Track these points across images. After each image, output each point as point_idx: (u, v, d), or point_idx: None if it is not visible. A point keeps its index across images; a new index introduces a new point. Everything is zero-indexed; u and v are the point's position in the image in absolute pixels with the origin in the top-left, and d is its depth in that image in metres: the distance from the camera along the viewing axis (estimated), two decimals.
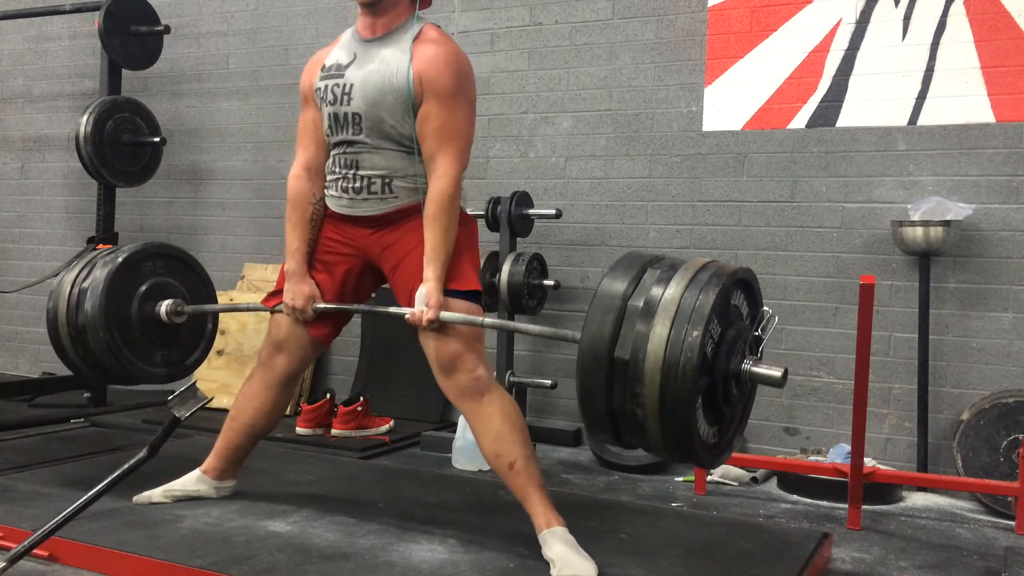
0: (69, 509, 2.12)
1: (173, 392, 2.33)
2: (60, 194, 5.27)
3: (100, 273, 2.71)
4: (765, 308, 2.02)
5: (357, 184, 2.44)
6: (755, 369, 1.85)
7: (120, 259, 2.74)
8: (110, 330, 2.67)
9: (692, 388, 1.75)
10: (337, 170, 2.49)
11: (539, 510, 2.26)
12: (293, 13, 4.71)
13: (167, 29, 4.46)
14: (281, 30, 4.73)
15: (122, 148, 4.28)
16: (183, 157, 4.93)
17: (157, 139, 4.38)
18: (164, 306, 2.78)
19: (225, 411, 4.33)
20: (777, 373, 1.84)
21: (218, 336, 4.56)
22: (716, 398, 1.85)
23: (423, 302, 2.30)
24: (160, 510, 2.56)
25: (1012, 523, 2.93)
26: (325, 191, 2.55)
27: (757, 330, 1.91)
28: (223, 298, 4.65)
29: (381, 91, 2.35)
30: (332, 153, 2.51)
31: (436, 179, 2.32)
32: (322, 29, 4.62)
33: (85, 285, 2.73)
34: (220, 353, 4.57)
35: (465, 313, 2.35)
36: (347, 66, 2.43)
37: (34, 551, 2.13)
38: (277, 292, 2.64)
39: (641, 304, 1.82)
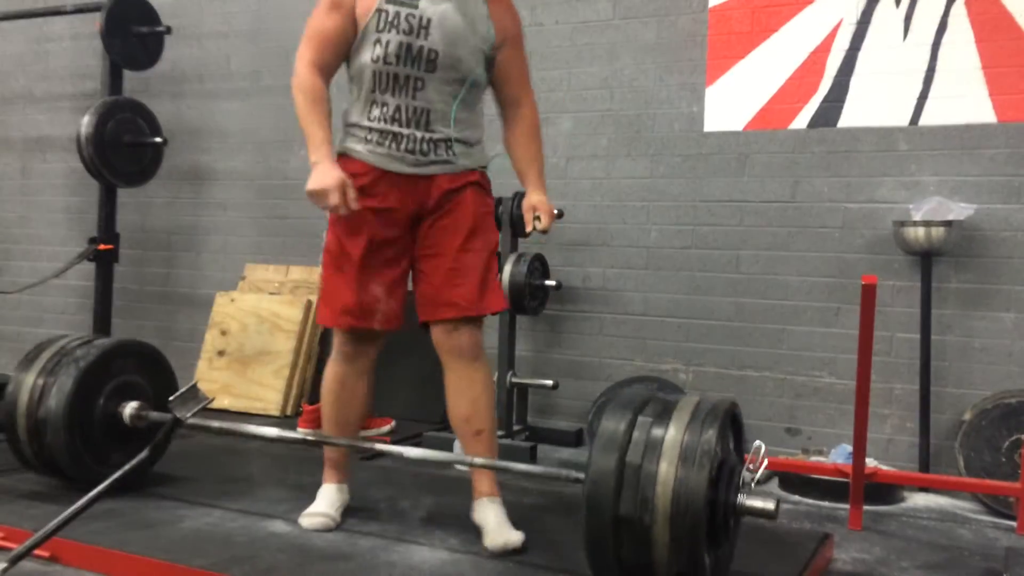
0: (70, 509, 2.12)
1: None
2: (61, 195, 5.27)
3: (71, 369, 2.63)
4: (758, 442, 2.11)
5: (423, 147, 2.36)
6: (749, 503, 1.93)
7: (93, 356, 2.66)
8: (71, 429, 2.58)
9: (700, 524, 1.81)
10: (395, 124, 2.35)
11: (487, 479, 2.44)
12: (294, 14, 4.70)
13: (168, 30, 4.46)
14: (282, 31, 4.73)
15: (123, 149, 4.28)
16: (184, 158, 4.93)
17: (158, 140, 4.39)
18: (128, 408, 2.69)
19: (225, 411, 4.38)
20: (771, 506, 1.92)
21: (220, 337, 4.60)
22: (716, 531, 1.91)
23: (536, 210, 2.47)
24: (161, 510, 2.56)
25: (1014, 524, 2.93)
26: (365, 144, 2.38)
27: (749, 465, 1.98)
28: (224, 298, 4.66)
29: (463, 33, 2.35)
30: (381, 97, 2.36)
31: (529, 109, 2.54)
32: None
33: (52, 379, 2.64)
34: (221, 354, 4.57)
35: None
36: None
37: (35, 551, 2.13)
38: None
39: (643, 447, 1.87)
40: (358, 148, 2.38)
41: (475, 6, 2.39)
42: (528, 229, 2.49)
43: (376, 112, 2.37)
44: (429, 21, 2.32)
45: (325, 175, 2.24)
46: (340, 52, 2.38)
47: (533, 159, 2.54)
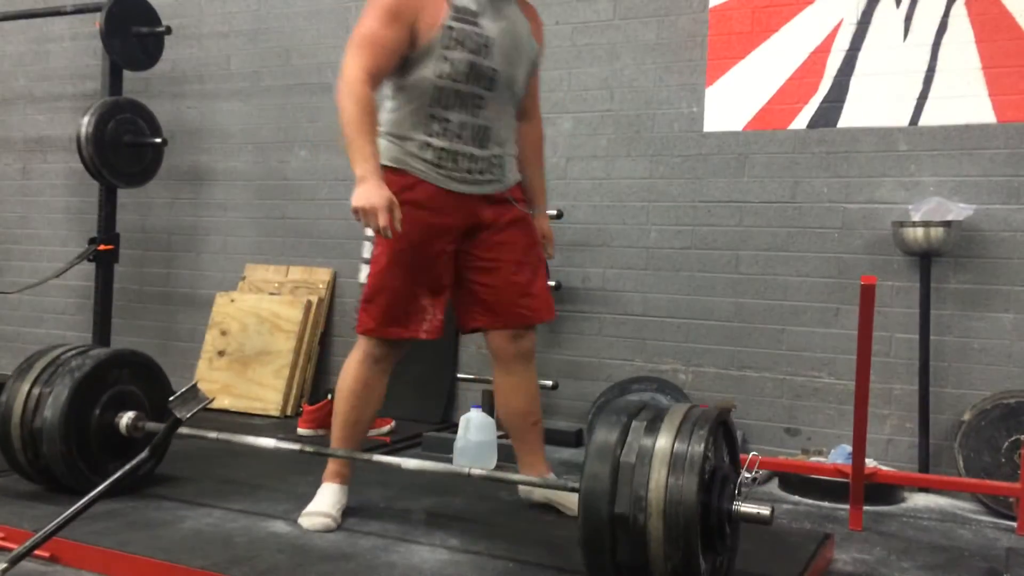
0: (71, 510, 2.12)
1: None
2: (61, 195, 5.27)
3: (66, 380, 2.63)
4: (754, 453, 2.15)
5: (481, 165, 2.43)
6: (744, 509, 1.95)
7: (89, 367, 2.65)
8: (67, 439, 2.57)
9: (694, 526, 1.83)
10: (455, 142, 2.38)
11: (543, 459, 2.73)
12: (294, 14, 4.71)
13: (168, 30, 4.46)
14: (282, 31, 4.73)
15: (123, 149, 4.29)
16: (184, 158, 4.94)
17: (158, 140, 4.39)
18: (124, 419, 2.69)
19: (226, 411, 4.38)
20: (766, 512, 1.94)
21: (219, 337, 4.60)
22: (712, 537, 1.93)
23: (545, 238, 2.68)
24: (161, 511, 2.56)
25: (1014, 524, 2.93)
26: (422, 161, 2.38)
27: (745, 472, 2.01)
28: (224, 298, 4.66)
29: (518, 51, 2.43)
30: (442, 112, 2.37)
31: (539, 122, 2.67)
32: (323, 30, 4.63)
33: (47, 389, 2.63)
34: (221, 354, 4.57)
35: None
36: (478, 15, 2.36)
37: (35, 552, 2.13)
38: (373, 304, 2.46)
39: (634, 456, 1.90)
40: (414, 164, 2.38)
41: (523, 24, 2.48)
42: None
43: (436, 127, 2.37)
44: (490, 40, 2.36)
45: (373, 193, 2.17)
46: (394, 63, 2.34)
47: (541, 178, 2.73)
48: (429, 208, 2.38)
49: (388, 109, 2.45)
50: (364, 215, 2.17)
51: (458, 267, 2.51)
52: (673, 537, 1.81)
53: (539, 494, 2.68)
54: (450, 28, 2.31)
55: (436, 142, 2.37)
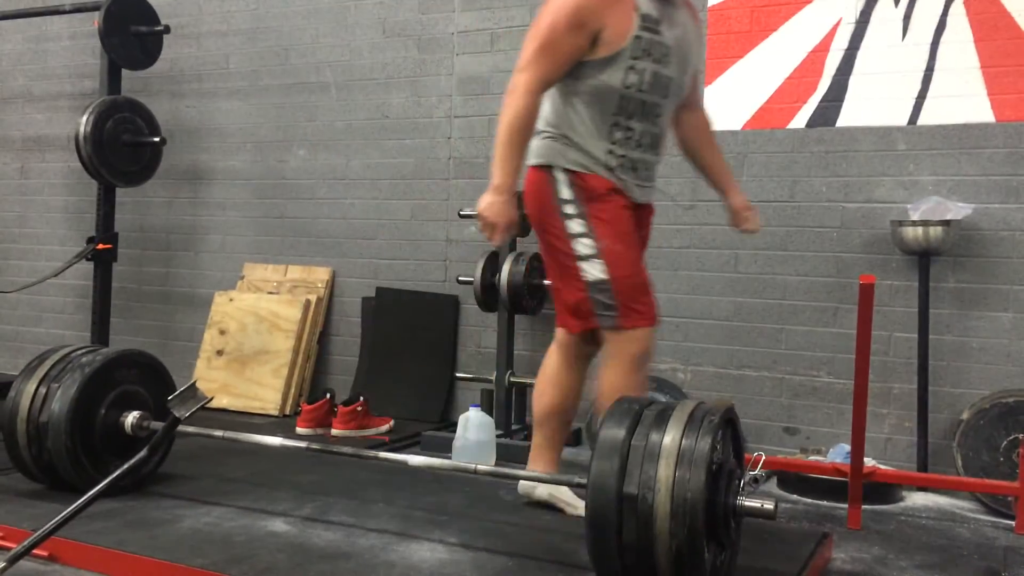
0: (69, 509, 2.12)
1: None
2: (60, 194, 5.27)
3: (76, 375, 2.65)
4: (759, 453, 2.22)
5: (651, 172, 2.46)
6: (749, 504, 1.97)
7: (99, 364, 2.68)
8: (72, 433, 2.59)
9: (698, 519, 1.85)
10: (637, 150, 2.38)
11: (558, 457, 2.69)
12: (293, 13, 4.71)
13: (167, 29, 4.46)
14: (281, 30, 4.73)
15: (122, 148, 4.28)
16: (183, 157, 4.93)
17: (157, 139, 4.38)
18: (130, 418, 2.70)
19: (224, 411, 4.37)
20: (770, 506, 1.96)
21: (218, 336, 4.60)
22: (717, 529, 1.94)
23: (748, 210, 2.70)
24: (160, 510, 2.56)
25: (1012, 523, 2.93)
26: (606, 168, 2.36)
27: (750, 469, 2.03)
28: (223, 298, 4.66)
29: (688, 58, 2.44)
30: (626, 121, 2.35)
31: (704, 110, 2.69)
32: (322, 29, 4.63)
33: (56, 384, 2.66)
34: (220, 353, 4.57)
35: None
36: (659, 23, 2.33)
37: (34, 551, 2.13)
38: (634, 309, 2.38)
39: (644, 441, 1.93)
40: (599, 170, 2.35)
41: (692, 30, 2.49)
42: (750, 227, 2.72)
43: (619, 135, 2.35)
44: (669, 49, 2.34)
45: (506, 209, 2.27)
46: (568, 69, 2.31)
47: (722, 157, 2.75)
48: (623, 205, 2.40)
49: (556, 112, 2.39)
50: (486, 226, 2.28)
51: None
52: (679, 515, 1.82)
53: (541, 491, 2.64)
54: (639, 38, 2.27)
55: (619, 150, 2.36)
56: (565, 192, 2.36)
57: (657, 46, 2.31)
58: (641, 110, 2.34)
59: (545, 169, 2.39)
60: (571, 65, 2.29)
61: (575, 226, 2.35)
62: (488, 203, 2.27)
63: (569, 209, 2.35)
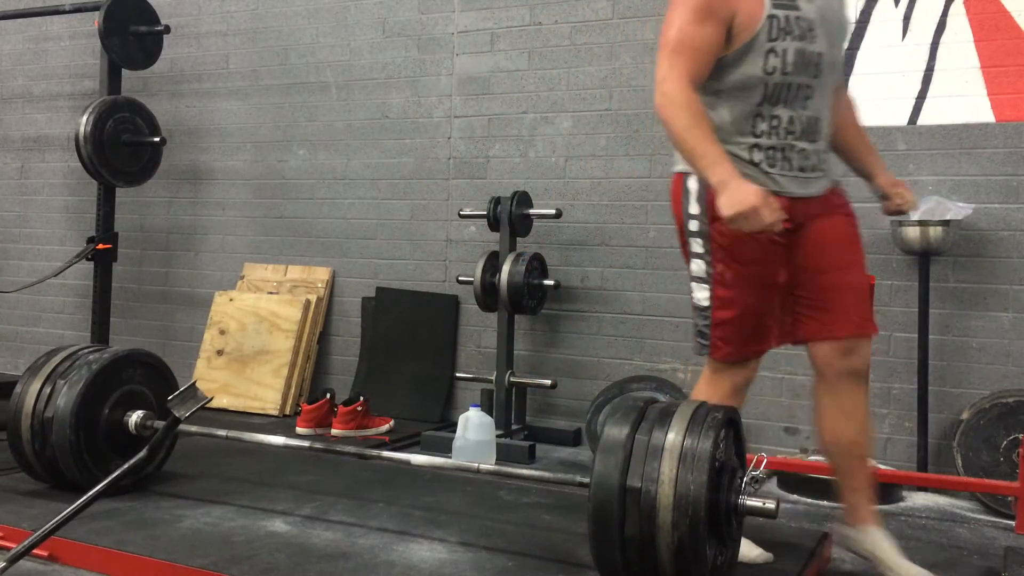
0: (69, 509, 2.12)
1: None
2: (60, 194, 5.27)
3: (82, 371, 2.66)
4: (762, 454, 2.23)
5: (812, 161, 2.19)
6: (750, 503, 1.97)
7: (105, 362, 2.69)
8: (77, 430, 2.60)
9: (700, 512, 1.86)
10: (790, 137, 2.15)
11: (868, 504, 2.28)
12: (293, 13, 4.71)
13: (167, 29, 4.46)
14: (281, 30, 4.73)
15: (122, 148, 4.28)
16: (183, 157, 4.93)
17: (157, 139, 4.38)
18: (134, 417, 2.71)
19: (224, 410, 4.38)
20: (771, 506, 1.96)
21: (218, 336, 4.60)
22: (719, 526, 1.95)
23: (899, 185, 2.39)
24: (160, 510, 2.56)
25: (1012, 523, 2.93)
26: (750, 165, 2.14)
27: (751, 469, 2.03)
28: (223, 298, 4.66)
29: (840, 29, 2.24)
30: (770, 110, 2.14)
31: (845, 89, 2.42)
32: (322, 29, 4.63)
33: (62, 381, 2.67)
34: (220, 353, 4.57)
35: None
36: None
37: (34, 551, 2.13)
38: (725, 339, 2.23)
39: (647, 443, 1.93)
40: (742, 171, 2.08)
41: None
42: (906, 205, 2.39)
43: (763, 126, 2.15)
44: (812, 22, 2.12)
45: (747, 193, 1.95)
46: (711, 65, 2.12)
47: (867, 138, 2.46)
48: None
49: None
50: (745, 220, 1.96)
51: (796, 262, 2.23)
52: (682, 507, 1.82)
53: (863, 545, 2.29)
54: (773, 17, 2.08)
55: (765, 142, 2.15)
56: (694, 206, 2.19)
57: (798, 22, 2.09)
58: (787, 95, 2.13)
59: (683, 176, 2.23)
60: (712, 59, 2.10)
61: (696, 245, 2.20)
62: (726, 202, 1.97)
63: (693, 226, 2.19)
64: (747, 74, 2.11)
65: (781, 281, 2.20)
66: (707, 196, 2.11)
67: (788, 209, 2.10)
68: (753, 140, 2.15)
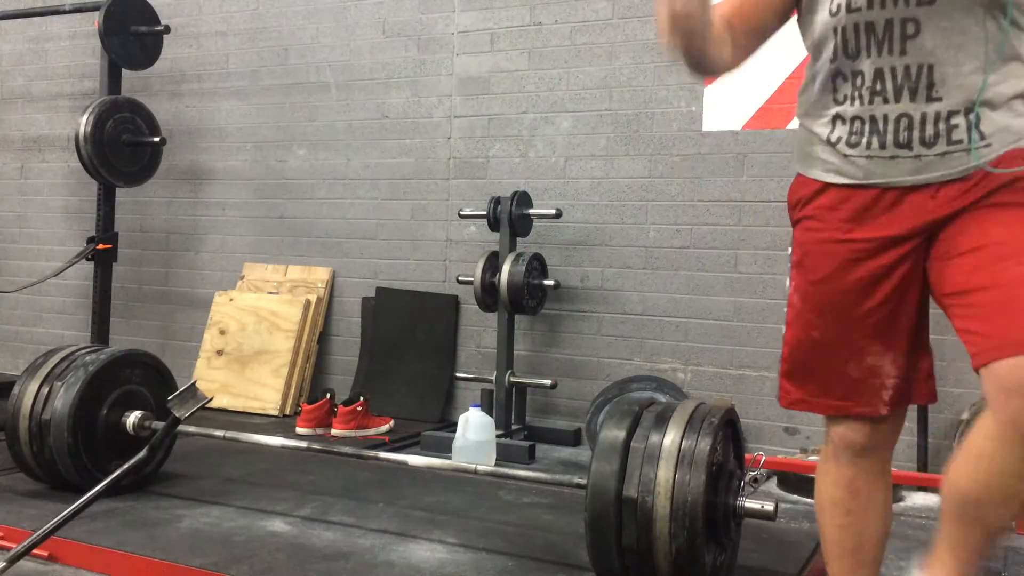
0: (69, 509, 2.12)
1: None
2: (60, 194, 5.27)
3: (79, 373, 2.66)
4: (760, 453, 2.16)
5: (926, 132, 1.48)
6: (749, 505, 1.98)
7: (102, 363, 2.69)
8: (75, 431, 2.60)
9: (698, 523, 1.86)
10: (872, 102, 1.51)
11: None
12: (293, 13, 4.71)
13: (167, 29, 4.46)
14: (281, 30, 4.73)
15: (122, 148, 4.28)
16: (183, 157, 4.93)
17: (157, 139, 4.38)
18: (132, 417, 2.71)
19: (224, 411, 4.38)
20: (770, 507, 1.97)
21: (218, 336, 4.59)
22: (717, 530, 1.96)
23: None
24: (159, 510, 2.56)
25: (1012, 523, 2.93)
26: (828, 146, 1.59)
27: (750, 471, 2.04)
28: (223, 297, 4.66)
29: None
30: (850, 65, 1.55)
31: None
32: (322, 28, 4.62)
33: (59, 382, 2.67)
34: (220, 353, 4.57)
35: None
36: None
37: (34, 551, 2.13)
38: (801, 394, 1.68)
39: (644, 443, 1.93)
40: (820, 156, 1.60)
41: None
42: None
43: (845, 89, 1.56)
44: None
45: None
46: (763, 25, 1.74)
47: None
48: (841, 219, 1.58)
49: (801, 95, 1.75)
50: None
51: (931, 288, 1.58)
52: (679, 517, 1.82)
53: None
54: None
55: (847, 110, 1.55)
56: (791, 209, 1.73)
57: None
58: (869, 40, 1.51)
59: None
60: (768, 18, 1.75)
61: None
62: None
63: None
64: (816, 24, 1.64)
65: (885, 312, 1.58)
66: (791, 190, 1.71)
67: (894, 211, 1.52)
68: (834, 110, 1.58)
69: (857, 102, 1.54)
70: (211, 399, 2.35)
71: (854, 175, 1.56)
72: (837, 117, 1.58)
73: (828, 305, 1.61)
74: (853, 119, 1.55)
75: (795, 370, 1.68)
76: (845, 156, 1.56)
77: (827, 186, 1.60)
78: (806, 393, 1.67)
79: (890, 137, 1.51)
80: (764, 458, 2.12)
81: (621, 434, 1.94)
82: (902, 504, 3.21)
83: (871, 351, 1.60)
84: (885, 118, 1.51)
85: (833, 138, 1.58)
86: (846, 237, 1.57)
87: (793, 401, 1.69)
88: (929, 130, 1.49)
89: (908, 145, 1.50)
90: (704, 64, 1.71)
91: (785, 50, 3.74)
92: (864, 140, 1.53)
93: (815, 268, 1.62)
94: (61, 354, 2.79)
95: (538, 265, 3.82)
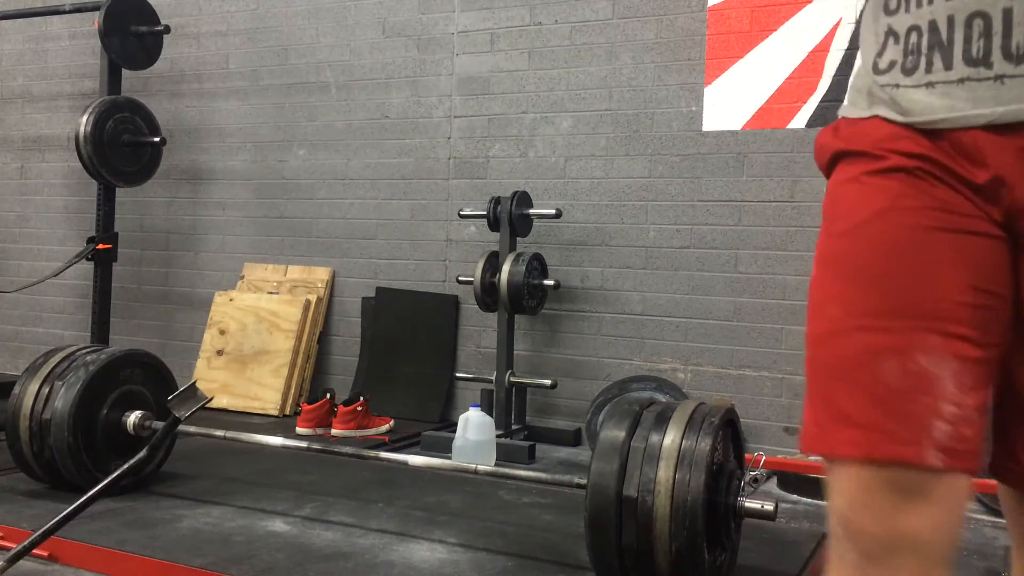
0: (69, 509, 2.12)
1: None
2: (60, 194, 5.27)
3: (80, 373, 2.67)
4: (760, 453, 2.16)
5: (1020, 36, 0.92)
6: (749, 504, 1.98)
7: (103, 363, 2.70)
8: (75, 431, 2.61)
9: (698, 522, 1.86)
10: (936, 5, 0.98)
11: None
12: (293, 13, 4.71)
13: (167, 29, 4.46)
14: (281, 30, 4.73)
15: (122, 148, 4.28)
16: (183, 157, 4.93)
17: (157, 139, 4.38)
18: (132, 417, 2.72)
19: (224, 411, 4.38)
20: (770, 507, 1.97)
21: (218, 336, 4.59)
22: (717, 530, 1.96)
23: None
24: (159, 510, 2.56)
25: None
26: (884, 76, 1.03)
27: (750, 471, 2.04)
28: (223, 297, 4.66)
29: None
30: None
31: None
32: (322, 29, 4.62)
33: (60, 382, 2.68)
34: (220, 353, 4.57)
35: None
36: None
37: (34, 551, 2.13)
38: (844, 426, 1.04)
39: (644, 443, 1.93)
40: (876, 88, 1.04)
41: None
42: None
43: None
44: None
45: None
46: None
47: None
48: (905, 167, 0.99)
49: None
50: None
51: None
52: (679, 517, 1.82)
53: None
54: None
55: (902, 21, 1.01)
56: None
57: None
58: None
59: None
60: None
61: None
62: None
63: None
64: None
65: (983, 317, 0.96)
66: (819, 141, 1.12)
67: (979, 155, 0.95)
68: (886, 22, 1.04)
69: (916, 10, 1.00)
70: (211, 399, 2.35)
71: (922, 111, 0.99)
72: (890, 34, 1.03)
73: (879, 272, 1.01)
74: (909, 32, 1.01)
75: (834, 376, 1.16)
76: (902, 85, 1.01)
77: (882, 124, 1.02)
78: (832, 424, 1.09)
79: (961, 48, 0.96)
80: (764, 458, 2.12)
81: (621, 434, 1.94)
82: None
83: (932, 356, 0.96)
84: (950, 22, 0.97)
85: (883, 65, 1.03)
86: (911, 188, 1.00)
87: (813, 441, 1.11)
88: (1019, 36, 0.92)
89: (985, 62, 0.94)
90: None
91: (784, 51, 3.77)
92: (926, 56, 0.99)
93: (852, 218, 1.04)
94: (61, 354, 2.80)
95: (538, 265, 3.82)
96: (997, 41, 0.95)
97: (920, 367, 0.96)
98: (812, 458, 3.37)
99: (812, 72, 3.65)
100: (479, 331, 4.25)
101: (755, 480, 2.02)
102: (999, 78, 0.95)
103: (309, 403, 3.92)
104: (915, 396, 0.95)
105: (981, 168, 0.96)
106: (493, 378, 3.84)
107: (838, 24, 3.61)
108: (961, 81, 0.97)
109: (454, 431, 3.55)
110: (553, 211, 3.83)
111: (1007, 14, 0.94)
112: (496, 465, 3.35)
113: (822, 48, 3.63)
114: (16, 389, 2.74)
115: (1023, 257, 0.98)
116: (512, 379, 3.80)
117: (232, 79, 4.86)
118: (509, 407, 3.81)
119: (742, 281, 3.76)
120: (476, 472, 2.31)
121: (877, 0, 1.08)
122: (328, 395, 3.93)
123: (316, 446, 2.60)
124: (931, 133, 0.98)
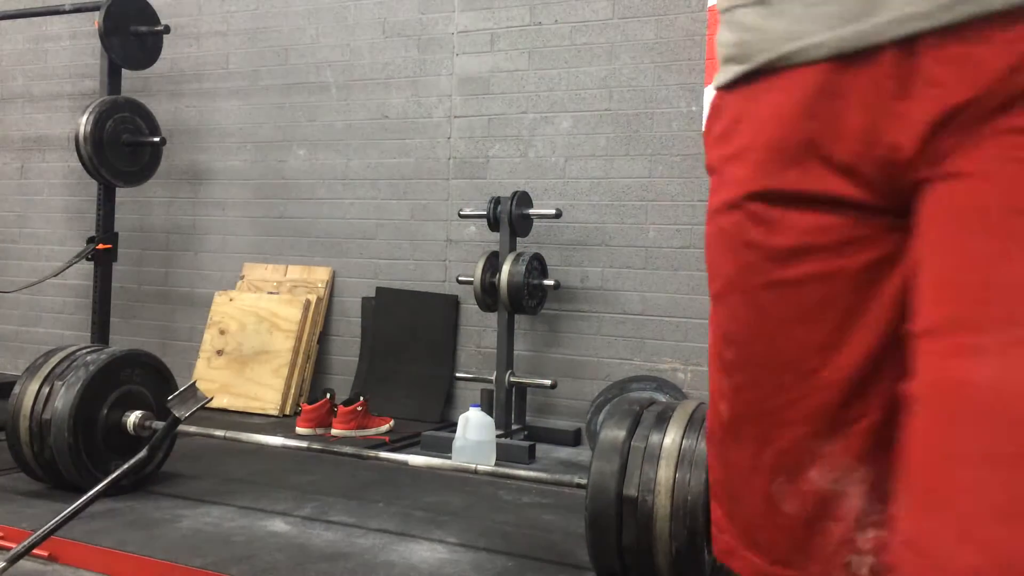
0: (69, 509, 2.12)
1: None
2: (60, 194, 5.27)
3: (80, 373, 2.68)
4: None
5: None
6: None
7: (103, 363, 2.71)
8: (75, 431, 2.61)
9: (698, 522, 1.87)
10: None
11: None
12: (293, 13, 4.71)
13: (167, 29, 4.46)
14: (281, 30, 4.73)
15: (122, 148, 4.28)
16: (183, 157, 4.93)
17: (157, 139, 4.38)
18: (132, 417, 2.72)
19: (224, 411, 4.38)
20: None
21: (218, 336, 4.59)
22: None
23: None
24: (160, 510, 2.56)
25: None
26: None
27: None
28: (223, 297, 4.66)
29: None
30: None
31: None
32: (322, 29, 4.62)
33: (60, 382, 2.68)
34: (220, 353, 4.57)
35: None
36: None
37: (34, 551, 2.13)
38: None
39: (643, 449, 1.94)
40: (722, 30, 0.84)
41: None
42: None
43: None
44: None
45: None
46: None
47: None
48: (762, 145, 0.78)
49: None
50: None
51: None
52: (680, 517, 1.83)
53: None
54: None
55: None
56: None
57: None
58: None
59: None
60: None
61: None
62: None
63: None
64: None
65: (831, 352, 0.77)
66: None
67: (845, 112, 0.73)
68: None
69: None
70: (211, 399, 2.35)
71: (764, 43, 0.77)
72: None
73: (755, 355, 0.85)
74: None
75: (716, 479, 0.92)
76: (734, 10, 0.80)
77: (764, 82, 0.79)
78: (739, 531, 0.89)
79: None
80: None
81: (621, 434, 1.94)
82: None
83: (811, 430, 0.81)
84: None
85: None
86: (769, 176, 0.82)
87: (726, 549, 0.92)
88: None
89: None
90: None
91: None
92: None
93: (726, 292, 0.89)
94: (61, 354, 2.80)
95: (538, 265, 3.82)
96: None
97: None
98: None
99: None
100: (479, 331, 4.25)
101: None
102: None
103: (309, 403, 3.92)
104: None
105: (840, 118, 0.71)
106: (493, 378, 3.84)
107: None
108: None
109: (454, 431, 3.55)
110: (553, 211, 3.83)
111: None
112: (496, 465, 3.35)
113: None
114: (16, 389, 2.74)
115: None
116: (512, 379, 3.80)
117: (232, 79, 4.86)
118: (509, 407, 3.81)
119: None
120: (476, 472, 2.31)
121: None
122: (328, 395, 3.93)
123: (316, 446, 2.60)
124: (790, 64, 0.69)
